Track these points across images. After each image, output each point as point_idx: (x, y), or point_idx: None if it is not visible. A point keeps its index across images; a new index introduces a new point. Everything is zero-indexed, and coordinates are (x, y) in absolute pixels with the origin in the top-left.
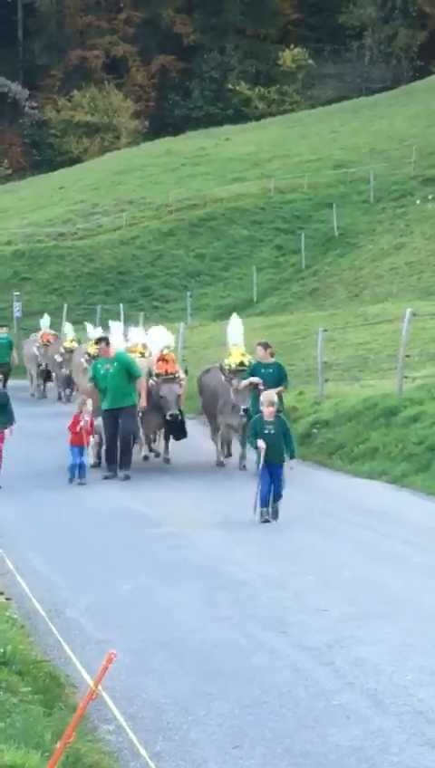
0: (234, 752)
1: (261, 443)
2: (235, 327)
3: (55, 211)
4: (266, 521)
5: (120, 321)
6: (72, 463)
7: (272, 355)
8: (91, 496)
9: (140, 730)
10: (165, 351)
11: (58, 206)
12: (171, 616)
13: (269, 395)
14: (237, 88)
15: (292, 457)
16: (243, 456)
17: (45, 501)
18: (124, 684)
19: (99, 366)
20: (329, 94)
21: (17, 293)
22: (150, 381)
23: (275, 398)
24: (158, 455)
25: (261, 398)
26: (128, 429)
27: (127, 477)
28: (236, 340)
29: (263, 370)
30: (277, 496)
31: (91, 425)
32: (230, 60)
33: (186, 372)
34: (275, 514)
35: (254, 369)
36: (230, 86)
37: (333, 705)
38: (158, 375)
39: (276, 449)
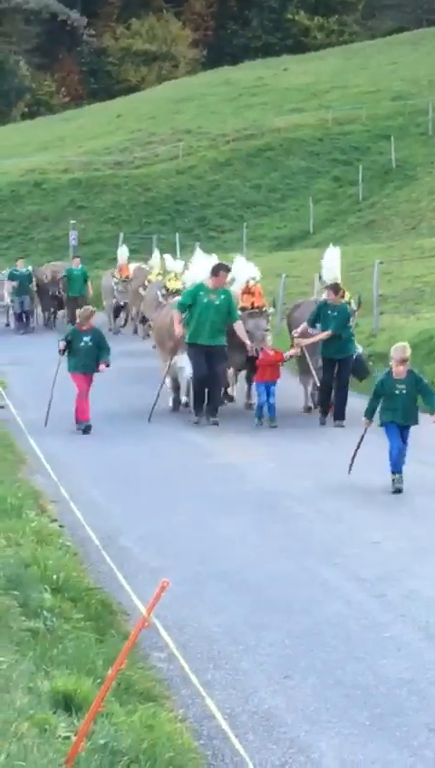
0: (284, 681)
1: (365, 423)
2: (332, 260)
3: (112, 140)
4: (398, 489)
5: (175, 250)
6: (260, 401)
7: (343, 297)
8: (150, 428)
9: (192, 659)
10: (251, 283)
11: (115, 135)
12: (225, 547)
13: (401, 349)
14: (296, 18)
15: (433, 412)
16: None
17: (103, 432)
18: (176, 613)
19: (201, 293)
20: (389, 25)
21: (73, 222)
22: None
23: (409, 352)
24: (232, 399)
25: (392, 351)
26: (219, 372)
27: (216, 423)
28: (335, 275)
29: (329, 312)
30: (399, 466)
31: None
32: None
33: (273, 306)
34: (397, 490)
35: (320, 310)
36: (289, 16)
37: (383, 637)
38: (243, 309)
39: (409, 411)
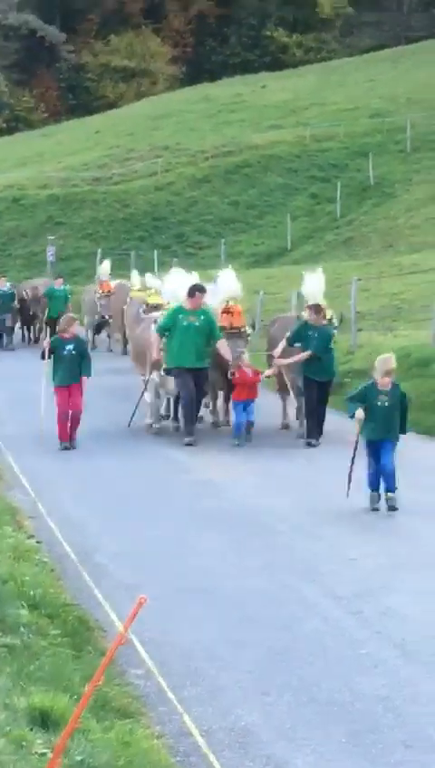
0: (261, 698)
1: (360, 413)
2: (314, 283)
3: (91, 156)
4: (376, 509)
5: (153, 267)
6: (237, 420)
7: (324, 317)
8: (126, 444)
9: (169, 675)
10: (230, 303)
11: (94, 151)
12: (203, 563)
13: (387, 360)
14: (275, 35)
15: (402, 432)
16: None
17: (82, 449)
18: (154, 629)
19: (181, 316)
20: (367, 42)
21: (51, 238)
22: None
23: (394, 364)
24: (217, 422)
25: (376, 363)
26: (201, 393)
27: (191, 444)
28: (316, 297)
29: (310, 333)
30: (390, 483)
31: (256, 376)
32: (268, 6)
33: (253, 327)
34: (392, 508)
35: (300, 330)
36: (268, 33)
37: (360, 654)
38: (222, 328)
39: (388, 424)
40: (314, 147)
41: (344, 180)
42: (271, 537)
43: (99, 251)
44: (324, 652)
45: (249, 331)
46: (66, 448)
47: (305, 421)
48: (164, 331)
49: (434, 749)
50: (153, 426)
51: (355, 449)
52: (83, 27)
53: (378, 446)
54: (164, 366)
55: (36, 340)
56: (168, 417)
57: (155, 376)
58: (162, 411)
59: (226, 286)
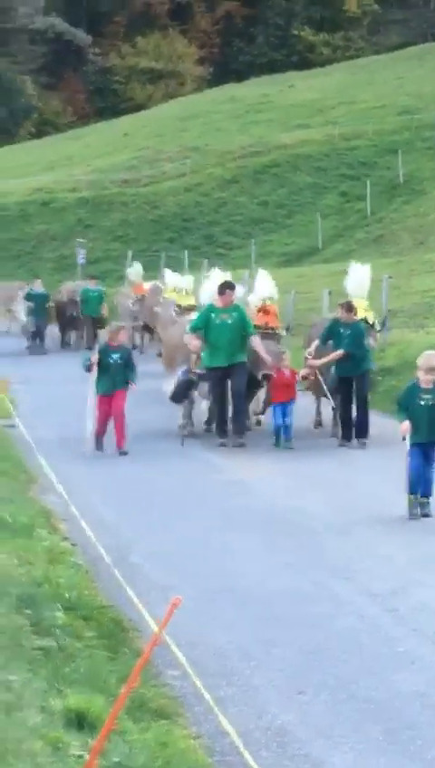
0: (297, 697)
1: (405, 426)
2: (357, 276)
3: (120, 158)
4: (414, 515)
5: (184, 268)
6: (276, 423)
7: (356, 314)
8: (160, 448)
9: (204, 675)
10: (267, 302)
11: (122, 153)
12: (236, 563)
13: (430, 357)
14: (302, 34)
15: None
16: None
17: (112, 452)
18: (188, 629)
19: (213, 315)
20: (394, 40)
21: (81, 241)
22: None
23: (432, 363)
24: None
25: (419, 360)
26: (242, 390)
27: (242, 445)
28: (359, 292)
29: (342, 330)
30: (428, 488)
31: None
32: (295, 6)
33: (287, 330)
34: (425, 515)
35: (332, 328)
36: (295, 32)
37: (397, 651)
38: (256, 327)
39: (433, 424)
40: (342, 145)
41: (374, 178)
42: (302, 536)
43: (129, 253)
44: (360, 650)
45: (283, 333)
46: (99, 448)
47: (340, 422)
48: (195, 330)
49: None
50: (185, 429)
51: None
52: (110, 30)
53: (422, 448)
54: (195, 369)
55: (64, 344)
56: (208, 423)
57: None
58: (202, 418)
59: (262, 286)
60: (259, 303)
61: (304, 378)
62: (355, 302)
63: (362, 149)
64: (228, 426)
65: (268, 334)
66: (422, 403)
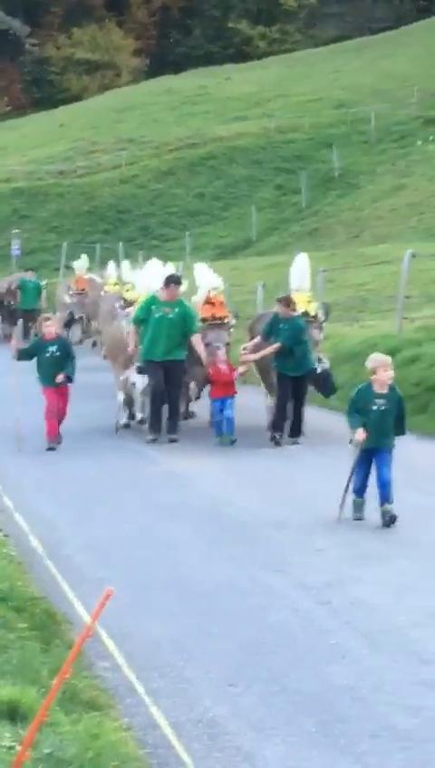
0: (229, 689)
1: (360, 434)
2: (300, 268)
3: (55, 149)
4: (359, 518)
5: (119, 259)
6: (216, 419)
7: (294, 310)
8: (99, 442)
9: (137, 667)
10: (212, 293)
11: (58, 144)
12: (171, 555)
13: (381, 359)
14: (239, 26)
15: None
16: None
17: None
18: (121, 621)
19: (154, 306)
20: (331, 33)
21: (16, 231)
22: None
23: (389, 360)
24: (192, 415)
25: (370, 363)
26: (178, 387)
27: (174, 441)
28: (302, 285)
29: (281, 326)
30: (387, 494)
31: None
32: None
33: (236, 317)
34: (391, 519)
35: (272, 323)
36: (231, 24)
37: (329, 644)
38: (204, 320)
39: (385, 430)
40: (278, 138)
41: (309, 171)
42: (238, 529)
43: (64, 244)
44: (293, 643)
45: (232, 321)
46: (52, 449)
47: (274, 417)
48: (139, 322)
49: (399, 738)
50: (120, 422)
51: (354, 468)
52: (47, 20)
53: (371, 454)
54: (136, 363)
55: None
56: (142, 422)
57: (128, 373)
58: (139, 415)
59: (206, 277)
60: (205, 295)
61: (241, 374)
62: (297, 296)
63: (297, 143)
64: (161, 422)
65: (217, 325)
66: (375, 408)
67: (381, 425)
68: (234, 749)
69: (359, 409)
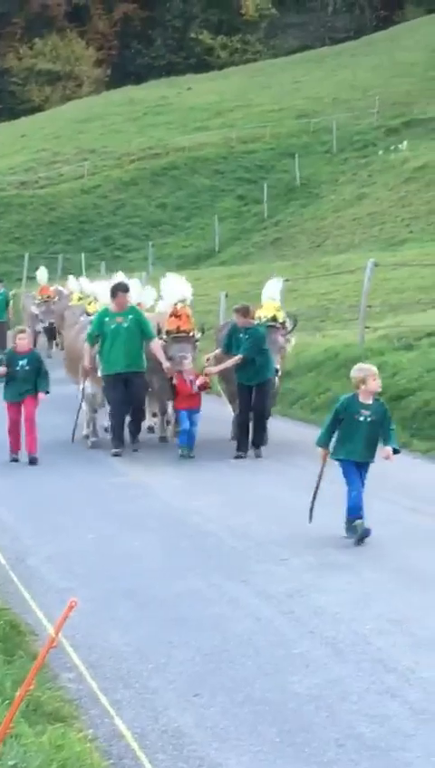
0: (194, 699)
1: (325, 455)
2: (271, 289)
3: (17, 160)
4: (364, 536)
5: (82, 270)
6: (181, 428)
7: (253, 318)
8: (62, 452)
9: (101, 678)
10: (179, 306)
11: (19, 155)
12: (134, 565)
13: (370, 368)
14: (200, 37)
15: (396, 452)
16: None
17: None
18: (85, 632)
19: (106, 319)
20: (292, 44)
21: None
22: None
23: (376, 369)
24: (152, 429)
25: (353, 373)
26: (141, 398)
27: (135, 450)
28: (273, 296)
29: (241, 335)
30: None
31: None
32: (193, 8)
33: (202, 331)
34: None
35: (232, 334)
36: (193, 35)
37: (292, 653)
38: (168, 332)
39: (371, 445)
40: (240, 148)
41: (271, 181)
42: (200, 538)
43: (26, 255)
44: (256, 652)
45: (198, 335)
46: (15, 460)
47: (235, 431)
48: (93, 338)
49: (365, 747)
50: (90, 439)
51: (319, 482)
52: (8, 31)
53: (358, 468)
54: (99, 374)
55: None
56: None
57: (88, 386)
58: (104, 424)
59: (174, 289)
60: (171, 308)
61: (201, 387)
62: (265, 303)
63: (259, 153)
64: (124, 433)
65: (182, 338)
66: (361, 419)
67: (370, 437)
68: (199, 759)
69: (341, 421)
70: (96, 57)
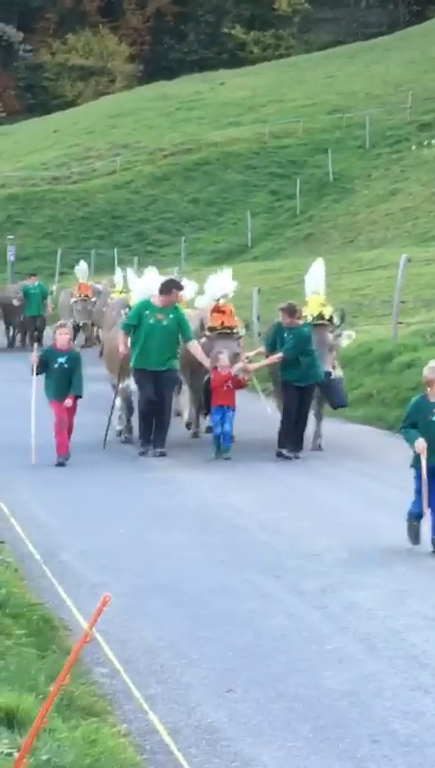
0: (227, 695)
1: (420, 443)
2: (316, 274)
3: (49, 155)
4: (414, 543)
5: (113, 265)
6: (214, 431)
7: (299, 317)
8: (92, 448)
9: (134, 673)
10: (221, 302)
11: (52, 150)
12: (167, 560)
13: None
14: (233, 32)
15: None
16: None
17: (47, 452)
18: (118, 627)
19: (147, 312)
20: (325, 39)
21: (11, 237)
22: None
23: None
24: (190, 428)
25: (427, 370)
26: (169, 398)
27: (162, 454)
28: (317, 288)
29: (286, 335)
30: None
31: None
32: (226, 3)
33: (246, 327)
34: None
35: (276, 333)
36: (225, 30)
37: (326, 649)
38: (212, 329)
39: None
40: (273, 143)
41: (304, 176)
42: (232, 533)
43: (59, 251)
44: (289, 648)
45: (242, 332)
46: (62, 464)
47: (279, 429)
48: (129, 328)
49: (399, 744)
50: (123, 434)
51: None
52: (41, 26)
53: (431, 473)
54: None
55: (12, 344)
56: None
57: (130, 383)
58: (117, 428)
59: (217, 284)
60: (212, 303)
61: (236, 385)
62: (311, 299)
63: (292, 148)
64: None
65: (226, 334)
66: (433, 419)
67: None
68: (232, 755)
69: (414, 424)
70: (129, 52)
